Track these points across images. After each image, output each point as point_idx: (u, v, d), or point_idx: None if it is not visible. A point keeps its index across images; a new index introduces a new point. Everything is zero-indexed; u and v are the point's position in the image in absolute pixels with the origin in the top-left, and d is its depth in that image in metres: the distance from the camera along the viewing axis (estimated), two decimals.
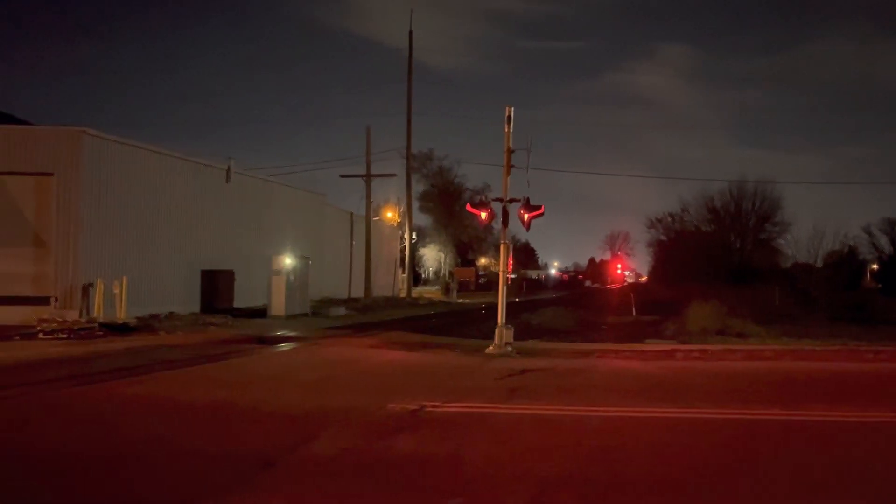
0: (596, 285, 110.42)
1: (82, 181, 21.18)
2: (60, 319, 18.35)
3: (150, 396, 9.69)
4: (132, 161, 23.33)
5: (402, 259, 49.39)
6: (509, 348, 15.52)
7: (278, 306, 25.72)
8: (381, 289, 44.20)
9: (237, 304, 26.43)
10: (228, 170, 28.26)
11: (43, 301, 20.39)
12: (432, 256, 76.77)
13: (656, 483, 5.95)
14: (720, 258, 55.19)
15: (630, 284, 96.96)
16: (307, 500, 5.44)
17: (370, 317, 28.60)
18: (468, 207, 18.64)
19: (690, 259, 56.78)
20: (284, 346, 17.09)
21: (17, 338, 16.97)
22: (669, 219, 69.56)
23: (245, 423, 8.05)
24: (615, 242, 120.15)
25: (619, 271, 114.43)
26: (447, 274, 71.33)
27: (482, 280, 75.47)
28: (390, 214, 51.87)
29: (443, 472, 6.15)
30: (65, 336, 17.43)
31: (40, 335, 17.40)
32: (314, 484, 5.76)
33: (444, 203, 71.46)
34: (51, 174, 21.01)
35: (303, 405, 9.02)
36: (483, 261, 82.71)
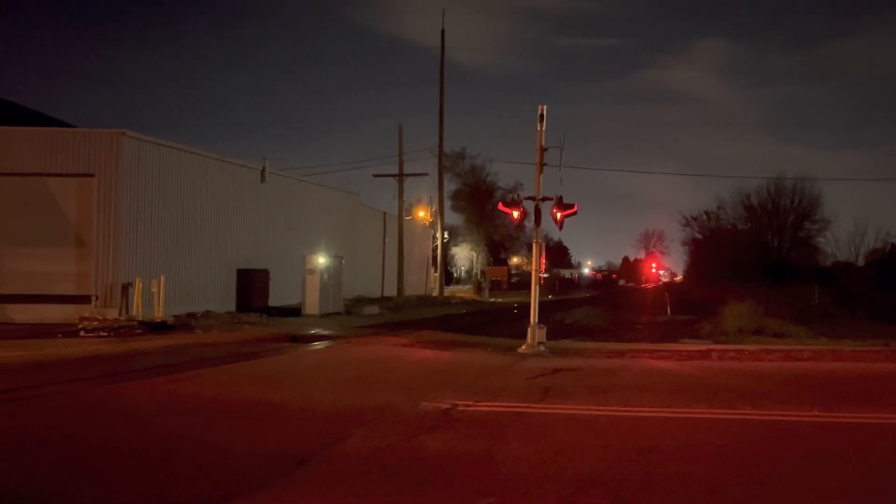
0: (630, 284, 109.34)
1: (122, 182, 21.63)
2: (101, 318, 18.77)
3: (186, 394, 9.86)
4: (170, 162, 23.75)
5: (435, 258, 49.51)
6: (542, 347, 15.47)
7: (312, 305, 25.99)
8: (414, 288, 44.36)
9: (272, 302, 26.74)
10: (263, 170, 28.60)
11: (84, 300, 20.86)
12: (464, 255, 76.79)
13: (690, 484, 5.89)
14: (757, 257, 54.30)
15: (665, 283, 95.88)
16: (340, 499, 5.50)
17: (403, 315, 28.72)
18: (500, 206, 18.62)
19: (726, 258, 55.93)
20: (318, 345, 17.25)
21: (60, 335, 17.39)
22: (705, 217, 68.65)
23: (279, 421, 8.15)
24: (649, 241, 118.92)
25: (653, 270, 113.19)
26: (479, 273, 71.32)
27: (514, 279, 75.27)
28: (422, 213, 52.05)
29: (475, 471, 6.16)
30: (105, 334, 17.82)
31: (81, 333, 17.81)
32: (347, 482, 5.82)
33: (477, 202, 71.42)
34: (91, 175, 21.49)
35: (336, 403, 9.11)
36: (515, 260, 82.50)
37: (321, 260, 26.76)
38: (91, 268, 21.36)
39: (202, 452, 6.63)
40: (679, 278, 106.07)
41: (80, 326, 18.12)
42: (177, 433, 7.47)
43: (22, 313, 20.55)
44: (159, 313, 20.15)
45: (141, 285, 20.57)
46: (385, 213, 42.66)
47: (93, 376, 11.22)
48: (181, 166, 24.26)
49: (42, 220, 21.55)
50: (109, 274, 21.29)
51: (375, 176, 43.58)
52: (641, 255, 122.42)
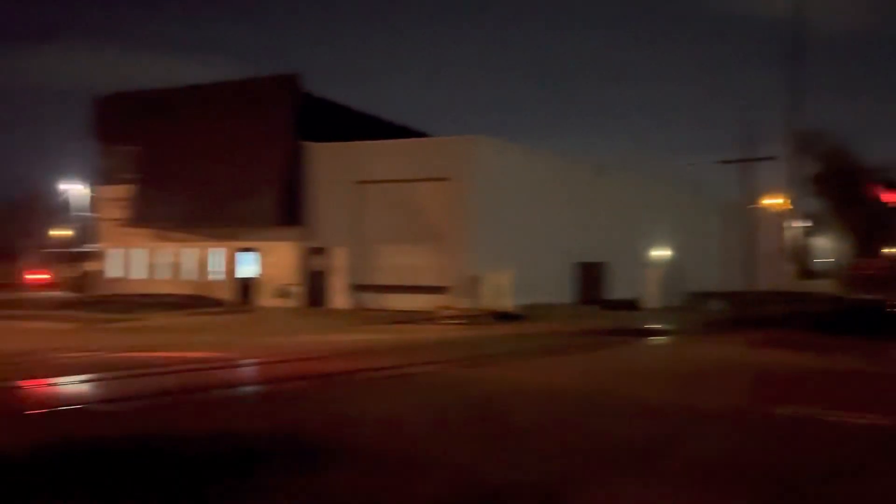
0: None
1: (473, 183, 23.71)
2: (455, 307, 20.82)
3: (528, 380, 10.49)
4: (512, 162, 25.32)
5: (788, 249, 45.30)
6: None
7: (650, 298, 25.67)
8: (762, 281, 41.08)
9: (608, 295, 26.99)
10: (599, 166, 28.94)
11: (440, 290, 23.29)
12: (825, 245, 68.85)
13: None
14: None
15: None
16: (681, 500, 5.37)
17: (749, 312, 26.76)
18: (870, 191, 16.40)
19: None
20: (656, 340, 17.01)
21: (421, 321, 19.70)
22: None
23: (619, 415, 8.21)
24: None
25: None
26: (842, 265, 63.36)
27: (889, 272, 65.32)
28: (773, 201, 47.85)
29: (833, 490, 5.57)
30: (458, 322, 19.71)
31: (439, 320, 19.94)
32: (686, 485, 5.67)
33: (839, 186, 63.37)
34: (449, 178, 23.93)
35: (678, 401, 8.94)
36: (892, 250, 71.56)
37: (660, 253, 26.29)
38: (446, 261, 23.75)
39: (538, 438, 6.99)
40: None
41: (438, 314, 20.31)
42: (518, 419, 7.98)
43: (394, 301, 23.72)
44: (506, 304, 21.63)
45: (490, 278, 22.31)
46: (729, 202, 40.21)
47: (451, 360, 12.58)
48: (522, 165, 25.69)
49: (408, 220, 24.58)
50: (462, 267, 23.44)
51: (720, 163, 41.09)
52: None
